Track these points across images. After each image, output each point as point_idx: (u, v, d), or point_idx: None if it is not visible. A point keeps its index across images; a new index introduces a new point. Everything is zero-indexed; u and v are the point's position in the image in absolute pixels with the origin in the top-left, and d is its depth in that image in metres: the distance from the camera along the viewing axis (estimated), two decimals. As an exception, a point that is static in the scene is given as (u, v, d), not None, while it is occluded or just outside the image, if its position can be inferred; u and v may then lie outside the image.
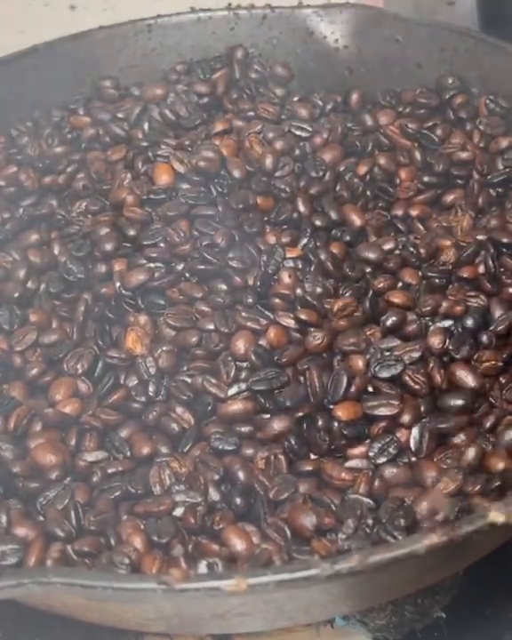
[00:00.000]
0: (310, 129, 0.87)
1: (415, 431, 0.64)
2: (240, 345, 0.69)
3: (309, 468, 0.63)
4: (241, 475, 0.62)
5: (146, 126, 0.89)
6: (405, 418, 0.65)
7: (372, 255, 0.75)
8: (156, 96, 0.92)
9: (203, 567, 0.54)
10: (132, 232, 0.77)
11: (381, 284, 0.73)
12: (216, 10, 0.98)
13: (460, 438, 0.65)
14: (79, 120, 0.90)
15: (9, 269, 0.75)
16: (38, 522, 0.57)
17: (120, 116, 0.90)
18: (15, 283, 0.74)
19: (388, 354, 0.67)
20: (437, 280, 0.74)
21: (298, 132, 0.86)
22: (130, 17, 0.98)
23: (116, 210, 0.80)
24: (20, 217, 0.81)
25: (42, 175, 0.84)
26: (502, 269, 0.74)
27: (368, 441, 0.64)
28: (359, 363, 0.67)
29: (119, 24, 0.97)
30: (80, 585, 0.46)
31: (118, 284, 0.74)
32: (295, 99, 0.93)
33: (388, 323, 0.70)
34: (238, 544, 0.56)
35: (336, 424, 0.65)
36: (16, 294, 0.73)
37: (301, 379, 0.67)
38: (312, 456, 0.65)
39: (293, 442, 0.64)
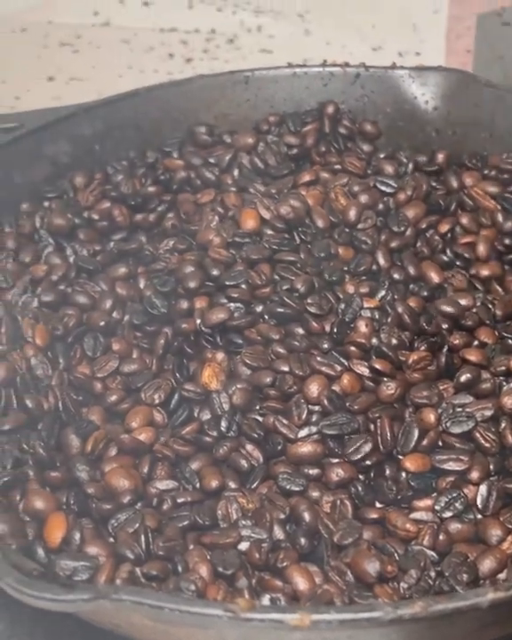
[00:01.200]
0: (395, 185, 0.89)
1: (483, 489, 0.64)
2: (313, 389, 0.70)
3: (374, 515, 0.63)
4: (306, 516, 0.63)
5: (235, 172, 0.92)
6: (474, 475, 0.65)
7: (449, 311, 0.76)
8: (248, 144, 0.95)
9: (266, 601, 0.54)
10: (215, 272, 0.79)
11: (457, 341, 0.74)
12: (311, 66, 1.02)
13: (527, 500, 0.65)
14: (173, 162, 0.94)
15: (97, 299, 0.78)
16: (109, 542, 0.59)
17: (212, 161, 0.94)
18: (101, 312, 0.77)
19: (460, 410, 0.68)
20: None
21: (382, 188, 0.88)
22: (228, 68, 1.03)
23: (202, 250, 0.82)
24: (111, 250, 0.84)
25: (133, 212, 0.87)
26: None
27: (435, 494, 0.65)
28: (431, 416, 0.68)
29: (218, 74, 1.01)
30: (149, 605, 0.47)
31: (199, 321, 0.76)
32: (382, 155, 0.95)
33: (462, 379, 0.70)
34: (301, 583, 0.56)
35: (404, 475, 0.65)
36: (102, 323, 0.75)
37: (372, 427, 0.68)
38: (378, 504, 0.65)
39: (360, 488, 0.65)
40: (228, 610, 0.47)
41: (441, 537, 0.61)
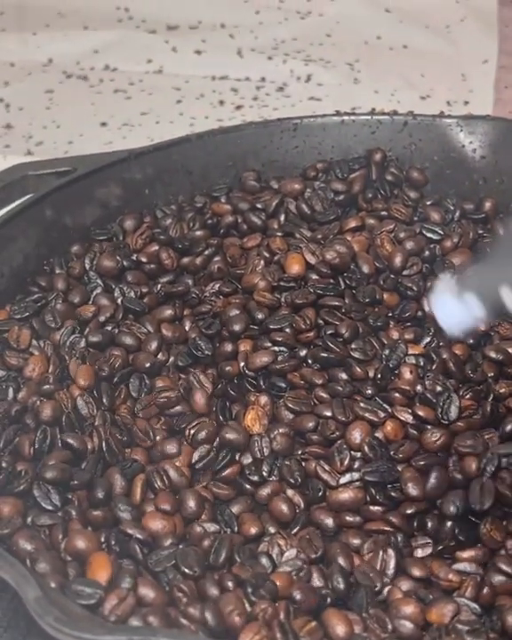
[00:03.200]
0: (441, 232, 0.89)
1: (527, 540, 0.63)
2: (356, 435, 0.70)
3: (416, 566, 0.63)
4: (343, 563, 0.62)
5: (282, 218, 0.93)
6: (516, 527, 0.64)
7: (496, 357, 0.75)
8: (294, 190, 0.96)
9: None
10: (260, 315, 0.80)
11: (503, 390, 0.73)
12: (359, 114, 1.03)
13: None
14: (220, 207, 0.95)
15: (143, 340, 0.79)
16: (147, 580, 0.59)
17: (259, 206, 0.94)
18: (147, 353, 0.77)
19: (505, 460, 0.67)
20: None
21: (429, 235, 0.89)
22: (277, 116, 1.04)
23: (247, 293, 0.83)
24: (157, 292, 0.85)
25: (181, 255, 0.89)
26: None
27: (478, 545, 0.64)
28: (474, 465, 0.67)
29: (267, 121, 1.03)
30: (187, 648, 0.47)
31: (243, 364, 0.76)
32: (428, 202, 0.95)
33: (508, 428, 0.70)
34: (339, 628, 0.56)
35: (447, 525, 0.65)
36: (147, 364, 0.76)
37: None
38: (420, 553, 0.65)
39: (401, 538, 0.64)
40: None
41: (484, 590, 0.60)
